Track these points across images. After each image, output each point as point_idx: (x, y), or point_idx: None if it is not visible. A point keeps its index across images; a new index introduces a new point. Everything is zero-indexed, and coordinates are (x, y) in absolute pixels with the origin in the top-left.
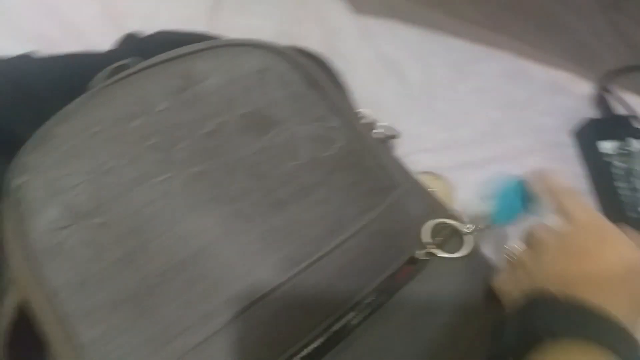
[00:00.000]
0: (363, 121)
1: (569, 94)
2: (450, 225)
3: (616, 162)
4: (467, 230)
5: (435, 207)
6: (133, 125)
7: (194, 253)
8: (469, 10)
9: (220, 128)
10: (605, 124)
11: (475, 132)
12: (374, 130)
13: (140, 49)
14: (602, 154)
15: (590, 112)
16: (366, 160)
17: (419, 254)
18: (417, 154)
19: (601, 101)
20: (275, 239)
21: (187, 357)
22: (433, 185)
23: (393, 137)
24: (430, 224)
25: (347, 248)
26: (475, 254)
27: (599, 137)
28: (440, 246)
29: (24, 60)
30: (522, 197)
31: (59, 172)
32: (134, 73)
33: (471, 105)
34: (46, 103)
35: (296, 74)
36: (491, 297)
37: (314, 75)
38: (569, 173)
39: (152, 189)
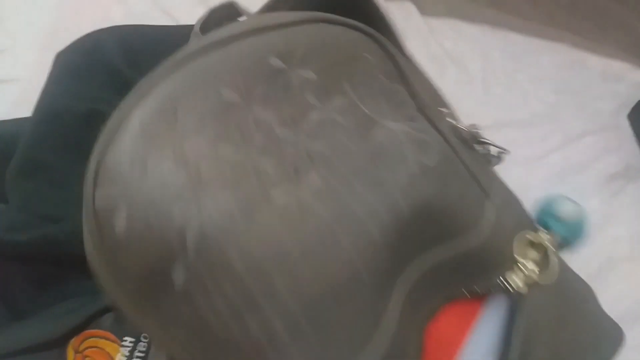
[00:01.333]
0: (448, 118)
1: (625, 82)
2: (540, 241)
3: None
4: (552, 247)
5: (522, 212)
6: (233, 117)
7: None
8: (527, 9)
9: (322, 125)
10: None
11: (531, 114)
12: (459, 131)
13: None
14: None
15: None
16: (461, 170)
17: (518, 282)
18: None
19: None
20: (393, 272)
21: None
22: None
23: (477, 136)
24: (518, 237)
25: (442, 264)
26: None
27: None
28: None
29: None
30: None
31: (152, 188)
32: (225, 43)
33: (528, 90)
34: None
35: (387, 64)
36: None
37: (402, 65)
38: (626, 152)
39: (271, 212)
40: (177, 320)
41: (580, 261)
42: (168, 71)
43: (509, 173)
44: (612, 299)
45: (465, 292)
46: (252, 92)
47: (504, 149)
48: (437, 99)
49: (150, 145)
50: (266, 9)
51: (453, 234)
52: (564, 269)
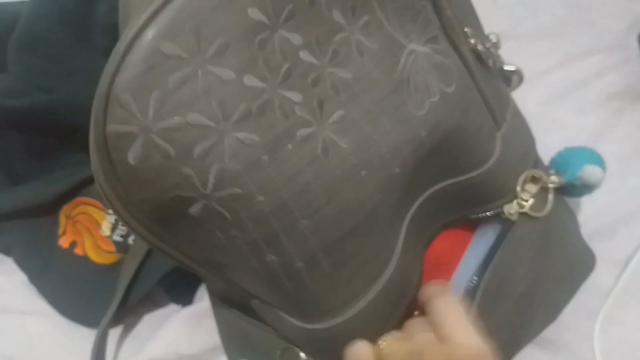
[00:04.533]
0: (472, 39)
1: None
2: (541, 178)
3: None
4: (552, 185)
5: (528, 145)
6: (260, 44)
7: (349, 230)
8: None
9: (347, 50)
10: None
11: (539, 27)
12: (480, 54)
13: None
14: None
15: None
16: (477, 102)
17: (512, 212)
18: None
19: None
20: (402, 200)
21: None
22: None
23: (496, 60)
24: (524, 176)
25: (447, 191)
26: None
27: None
28: (533, 204)
29: None
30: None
31: (175, 122)
32: None
33: (538, 2)
34: None
35: None
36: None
37: None
38: (630, 72)
39: (297, 151)
40: (191, 241)
41: None
42: None
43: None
44: (593, 213)
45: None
46: (280, 12)
47: (521, 72)
48: (466, 14)
49: (169, 70)
50: None
51: (465, 169)
52: (557, 202)
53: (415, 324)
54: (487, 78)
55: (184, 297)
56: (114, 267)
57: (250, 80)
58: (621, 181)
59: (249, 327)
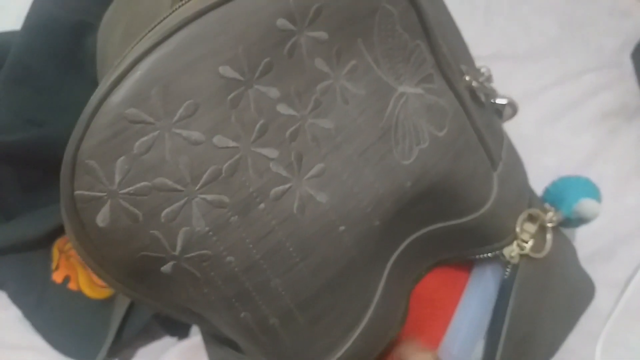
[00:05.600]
0: (467, 77)
1: (633, 18)
2: (539, 216)
3: None
4: (551, 224)
5: (523, 183)
6: (234, 103)
7: (324, 285)
8: None
9: (331, 99)
10: None
11: (532, 47)
12: (475, 92)
13: None
14: None
15: None
16: (472, 140)
17: (513, 255)
18: None
19: None
20: (380, 248)
21: None
22: None
23: (490, 95)
24: (523, 216)
25: (435, 234)
26: (555, 250)
27: None
28: (533, 244)
29: None
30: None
31: (144, 179)
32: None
33: (531, 22)
34: None
35: (412, 15)
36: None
37: (427, 17)
38: (625, 91)
39: (270, 210)
40: (168, 294)
41: None
42: (156, 42)
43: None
44: (591, 235)
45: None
46: (255, 67)
47: (515, 104)
48: (461, 53)
49: (134, 135)
50: None
51: (458, 214)
52: (555, 236)
53: None
54: (482, 114)
55: (180, 330)
56: (109, 302)
57: (220, 141)
58: (618, 201)
59: None
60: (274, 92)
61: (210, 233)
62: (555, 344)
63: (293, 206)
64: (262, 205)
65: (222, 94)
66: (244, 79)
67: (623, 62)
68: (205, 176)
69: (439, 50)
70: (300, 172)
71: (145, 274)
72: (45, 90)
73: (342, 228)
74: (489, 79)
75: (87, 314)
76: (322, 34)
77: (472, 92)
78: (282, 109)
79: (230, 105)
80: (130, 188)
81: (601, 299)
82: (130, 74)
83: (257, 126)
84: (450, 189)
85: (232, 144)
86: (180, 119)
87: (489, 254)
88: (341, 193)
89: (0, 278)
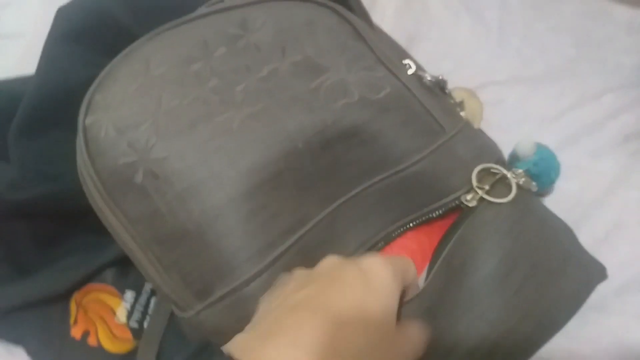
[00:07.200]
0: (410, 71)
1: None
2: (498, 171)
3: None
4: (514, 178)
5: (484, 150)
6: (194, 68)
7: (255, 185)
8: None
9: (274, 73)
10: None
11: (549, 68)
12: (423, 80)
13: None
14: None
15: None
16: (414, 106)
17: (469, 199)
18: (487, 86)
19: None
20: (317, 179)
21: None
22: (467, 103)
23: (442, 85)
24: (479, 168)
25: (383, 187)
26: (521, 199)
27: None
28: (489, 191)
29: None
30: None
31: (125, 112)
32: (193, 20)
33: (546, 42)
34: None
35: (344, 26)
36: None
37: (360, 28)
38: None
39: (214, 126)
40: (138, 214)
41: (588, 224)
42: (146, 40)
43: (521, 131)
44: (619, 264)
45: (425, 217)
46: (213, 51)
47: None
48: (401, 55)
49: (127, 85)
50: None
51: (394, 162)
52: (535, 204)
53: None
54: (431, 96)
55: None
56: (129, 356)
57: (182, 89)
58: None
59: None
60: (226, 66)
61: (169, 144)
62: (532, 296)
63: (233, 127)
64: (210, 124)
65: (187, 64)
66: (203, 56)
67: None
68: None
69: (377, 48)
70: (241, 108)
71: (123, 184)
72: (58, 142)
73: (271, 144)
74: (442, 77)
75: None
76: (267, 37)
77: (420, 80)
78: (233, 76)
79: (192, 70)
80: (120, 114)
81: (632, 331)
82: None
83: (211, 84)
84: (375, 132)
85: (190, 92)
86: None
87: (448, 204)
88: (272, 122)
89: (18, 334)
